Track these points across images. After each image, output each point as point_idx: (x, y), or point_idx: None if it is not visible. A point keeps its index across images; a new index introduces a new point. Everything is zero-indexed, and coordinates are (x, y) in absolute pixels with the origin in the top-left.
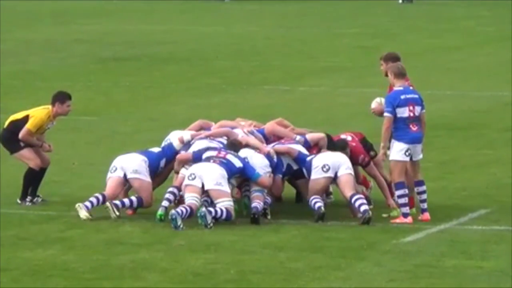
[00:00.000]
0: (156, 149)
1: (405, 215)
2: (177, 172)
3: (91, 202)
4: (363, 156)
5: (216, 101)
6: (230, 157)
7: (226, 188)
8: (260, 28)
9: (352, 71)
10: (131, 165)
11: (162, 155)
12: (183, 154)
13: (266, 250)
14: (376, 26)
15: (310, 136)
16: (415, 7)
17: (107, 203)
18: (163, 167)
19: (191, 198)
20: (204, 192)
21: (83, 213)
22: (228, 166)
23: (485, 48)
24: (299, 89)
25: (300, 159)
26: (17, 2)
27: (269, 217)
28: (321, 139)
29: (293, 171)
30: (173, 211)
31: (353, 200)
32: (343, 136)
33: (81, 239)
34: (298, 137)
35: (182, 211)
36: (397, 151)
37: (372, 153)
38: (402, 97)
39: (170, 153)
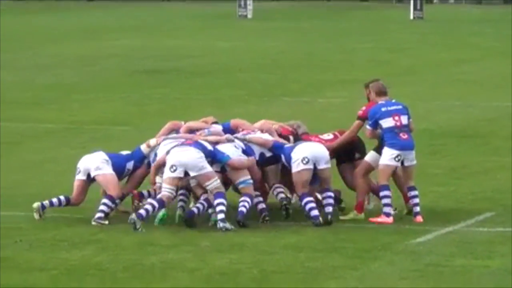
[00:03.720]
0: (125, 152)
1: (387, 214)
2: (153, 183)
3: (51, 202)
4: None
5: (239, 112)
6: (202, 141)
7: (209, 168)
8: (280, 43)
9: None
10: (93, 164)
11: (130, 157)
12: (158, 160)
13: (287, 251)
14: (390, 41)
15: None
16: (425, 23)
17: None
18: (130, 169)
19: (167, 190)
20: (186, 177)
21: (36, 216)
22: (201, 146)
23: (490, 61)
24: (318, 101)
25: (276, 147)
26: (51, 20)
27: (267, 218)
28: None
29: (265, 158)
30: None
31: (323, 195)
32: (325, 136)
33: (114, 240)
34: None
35: (147, 210)
36: (388, 156)
37: (356, 155)
38: (383, 109)
39: (138, 156)
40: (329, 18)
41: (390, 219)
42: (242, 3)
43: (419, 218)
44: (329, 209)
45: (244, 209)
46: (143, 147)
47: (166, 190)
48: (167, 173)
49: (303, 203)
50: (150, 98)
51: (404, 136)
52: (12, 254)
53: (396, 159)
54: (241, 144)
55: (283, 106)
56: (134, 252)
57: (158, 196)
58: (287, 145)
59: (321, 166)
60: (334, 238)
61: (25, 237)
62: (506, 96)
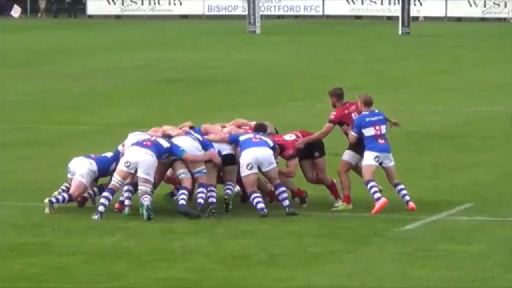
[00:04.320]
0: (109, 154)
1: (378, 199)
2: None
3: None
4: (293, 150)
5: (250, 115)
6: (159, 140)
7: (152, 176)
8: (286, 56)
9: (361, 91)
10: (80, 168)
11: (113, 159)
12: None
13: (291, 237)
14: (381, 54)
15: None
16: (412, 38)
17: (45, 200)
18: (113, 170)
19: (116, 181)
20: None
21: (47, 210)
22: (157, 147)
23: (469, 72)
24: (317, 105)
25: (232, 139)
26: (85, 36)
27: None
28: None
29: (222, 156)
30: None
31: (277, 192)
32: (287, 136)
33: (140, 228)
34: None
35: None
36: (369, 157)
37: (316, 153)
38: (367, 119)
39: (118, 156)
40: (328, 34)
41: (382, 200)
42: (252, 20)
43: (411, 205)
44: (286, 202)
45: (183, 202)
46: (120, 148)
47: (114, 181)
48: (121, 165)
49: (251, 198)
50: (170, 104)
51: (381, 141)
52: (50, 240)
53: (375, 159)
54: (199, 137)
55: (287, 111)
56: (158, 238)
57: (110, 185)
58: (242, 137)
59: (265, 168)
60: (333, 226)
61: (62, 225)
62: (482, 102)
